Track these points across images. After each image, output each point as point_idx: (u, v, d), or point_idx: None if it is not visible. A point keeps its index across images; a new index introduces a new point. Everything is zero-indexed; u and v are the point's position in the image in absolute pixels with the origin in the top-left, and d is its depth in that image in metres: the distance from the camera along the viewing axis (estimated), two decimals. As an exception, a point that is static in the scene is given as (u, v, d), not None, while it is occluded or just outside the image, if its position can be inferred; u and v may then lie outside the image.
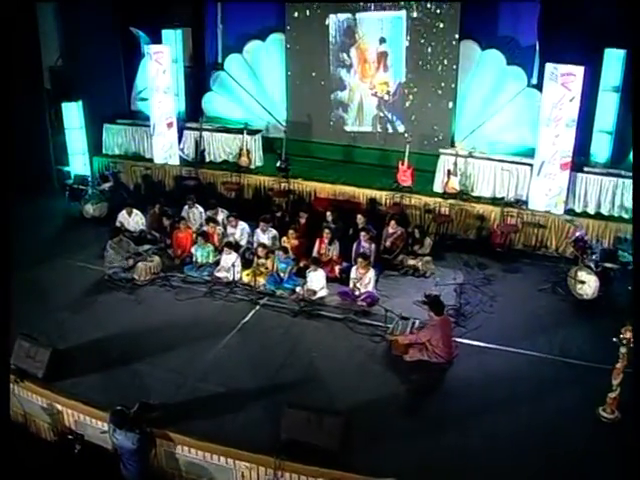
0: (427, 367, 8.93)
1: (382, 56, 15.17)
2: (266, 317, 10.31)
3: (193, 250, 11.78)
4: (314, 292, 10.66)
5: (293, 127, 15.45)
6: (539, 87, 13.66)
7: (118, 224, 12.49)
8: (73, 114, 15.29)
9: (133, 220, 12.81)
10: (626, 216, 12.58)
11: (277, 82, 16.02)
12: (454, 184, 13.36)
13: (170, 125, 15.14)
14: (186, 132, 15.59)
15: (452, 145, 14.53)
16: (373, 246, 11.58)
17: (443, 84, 14.68)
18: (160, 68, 14.69)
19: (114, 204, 13.97)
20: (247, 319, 10.18)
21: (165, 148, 15.25)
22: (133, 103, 16.86)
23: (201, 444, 7.33)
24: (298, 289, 10.81)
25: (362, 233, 11.52)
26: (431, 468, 7.10)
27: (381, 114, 15.66)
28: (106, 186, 14.52)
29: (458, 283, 11.28)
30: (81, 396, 8.09)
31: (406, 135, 14.51)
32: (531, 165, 13.09)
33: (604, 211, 12.85)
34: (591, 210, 12.92)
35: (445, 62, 14.54)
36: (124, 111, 16.59)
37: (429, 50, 14.63)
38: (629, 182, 12.37)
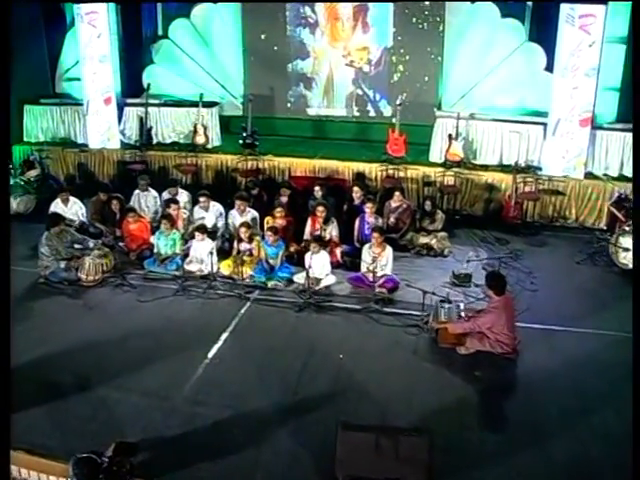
0: (490, 359, 6.87)
1: (361, 12, 12.55)
2: (263, 315, 7.95)
3: (153, 240, 9.28)
4: (318, 280, 8.38)
5: (252, 102, 12.68)
6: (539, 41, 11.93)
7: (52, 215, 9.76)
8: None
9: (71, 210, 10.22)
10: (652, 176, 10.89)
11: (232, 51, 13.54)
12: (457, 150, 11.36)
13: (108, 101, 12.54)
14: (127, 109, 12.99)
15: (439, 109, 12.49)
16: (380, 221, 9.42)
17: (445, 48, 12.36)
18: (94, 32, 12.14)
19: (43, 197, 11.27)
20: (238, 319, 7.77)
21: (102, 129, 12.64)
22: (58, 84, 14.05)
23: (215, 497, 4.90)
24: (297, 278, 8.50)
25: (368, 205, 9.32)
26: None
27: (359, 91, 13.03)
28: (32, 175, 11.77)
29: (492, 258, 9.21)
30: (22, 442, 5.44)
31: (398, 101, 11.91)
32: (544, 124, 11.26)
33: (627, 172, 11.09)
34: (613, 172, 11.17)
35: (449, 19, 12.18)
36: (48, 92, 13.80)
37: (426, 3, 12.26)
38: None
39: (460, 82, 12.60)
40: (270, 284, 8.56)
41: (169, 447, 5.50)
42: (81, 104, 12.73)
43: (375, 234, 8.43)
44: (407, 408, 6.07)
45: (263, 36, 13.16)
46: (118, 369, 6.66)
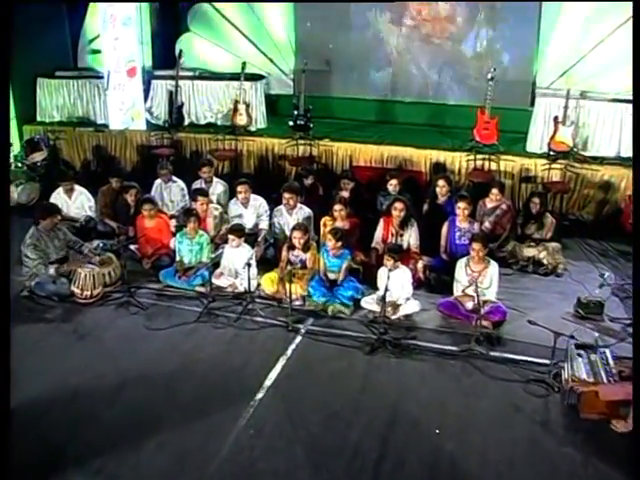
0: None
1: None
2: (319, 356, 5.66)
3: (173, 244, 7.11)
4: (395, 306, 6.07)
5: (302, 78, 10.13)
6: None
7: (51, 208, 7.68)
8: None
9: (75, 203, 8.20)
10: None
11: (281, 17, 11.30)
12: (564, 137, 8.90)
13: (132, 73, 10.44)
14: (155, 83, 10.87)
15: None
16: (476, 226, 7.06)
17: (543, 17, 9.83)
18: (117, -10, 10.05)
19: (49, 185, 9.20)
20: (285, 361, 5.52)
21: (125, 106, 10.54)
22: (81, 57, 12.04)
23: None
24: (366, 302, 6.22)
25: (460, 204, 6.94)
26: None
27: (436, 76, 10.53)
28: (37, 158, 9.78)
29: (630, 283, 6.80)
30: None
31: (489, 74, 9.09)
32: (677, 106, 8.68)
33: None
34: None
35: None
36: (68, 66, 11.78)
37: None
38: None
39: (560, 58, 10.08)
40: (330, 309, 6.28)
41: None
42: (102, 77, 10.67)
43: (476, 245, 6.10)
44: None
45: None
46: (105, 438, 4.48)
